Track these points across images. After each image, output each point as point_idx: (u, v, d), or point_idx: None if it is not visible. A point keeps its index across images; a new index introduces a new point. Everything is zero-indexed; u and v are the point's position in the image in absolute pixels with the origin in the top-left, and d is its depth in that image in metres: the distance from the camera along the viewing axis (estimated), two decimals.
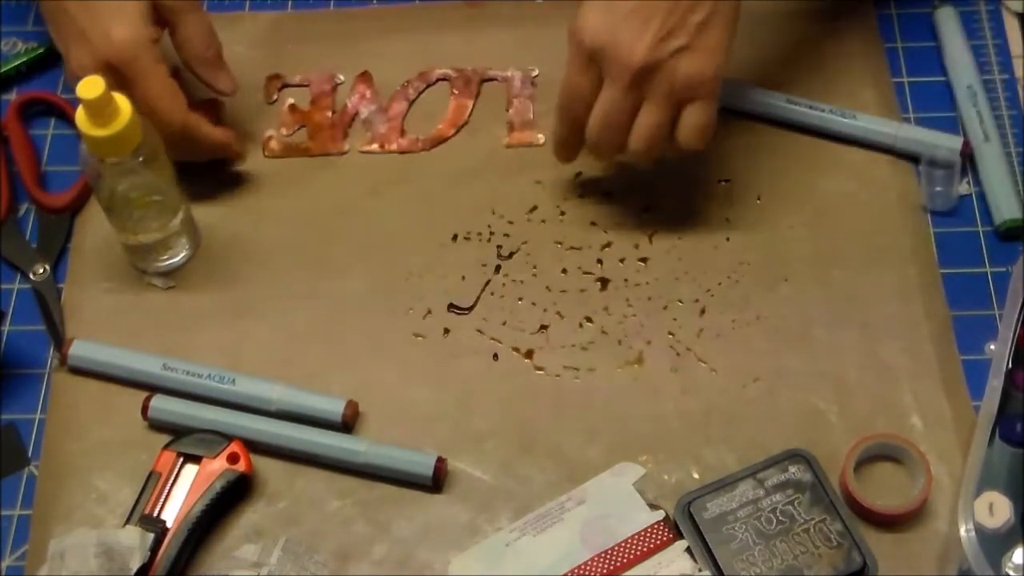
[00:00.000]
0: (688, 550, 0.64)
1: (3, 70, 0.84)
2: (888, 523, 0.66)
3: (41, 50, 0.84)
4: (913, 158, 0.78)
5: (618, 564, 0.63)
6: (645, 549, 0.64)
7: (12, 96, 0.83)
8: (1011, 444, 0.65)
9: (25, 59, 0.84)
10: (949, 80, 0.81)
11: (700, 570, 0.63)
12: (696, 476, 0.68)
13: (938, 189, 0.76)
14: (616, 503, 0.65)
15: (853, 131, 0.78)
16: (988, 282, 0.74)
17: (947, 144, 0.77)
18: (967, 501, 0.63)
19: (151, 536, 0.65)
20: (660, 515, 0.65)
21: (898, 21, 0.84)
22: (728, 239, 0.76)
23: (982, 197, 0.77)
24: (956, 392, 0.70)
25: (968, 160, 0.78)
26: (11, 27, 0.86)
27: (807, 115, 0.79)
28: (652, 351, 0.72)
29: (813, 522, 0.64)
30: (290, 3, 0.87)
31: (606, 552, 0.64)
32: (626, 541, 0.64)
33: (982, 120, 0.78)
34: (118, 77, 0.70)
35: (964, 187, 0.77)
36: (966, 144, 0.77)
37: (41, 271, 0.76)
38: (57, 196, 0.78)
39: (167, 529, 0.66)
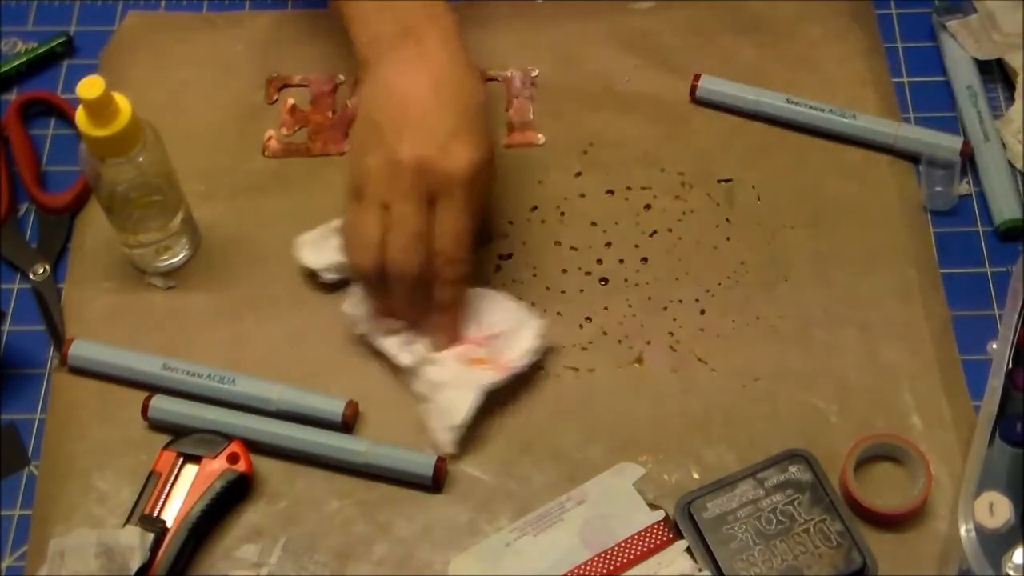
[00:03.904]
0: (688, 550, 0.64)
1: (3, 70, 0.84)
2: (888, 523, 0.66)
3: (41, 50, 0.84)
4: (913, 158, 0.78)
5: (618, 564, 0.63)
6: (645, 549, 0.64)
7: (12, 96, 0.83)
8: (1011, 444, 0.65)
9: (25, 59, 0.84)
10: (949, 80, 0.81)
11: (700, 570, 0.63)
12: (696, 476, 0.68)
13: (938, 189, 0.76)
14: (616, 503, 0.65)
15: (853, 131, 0.78)
16: (988, 282, 0.74)
17: (947, 144, 0.77)
18: (967, 501, 0.63)
19: (151, 536, 0.65)
20: (660, 515, 0.65)
21: (898, 21, 0.85)
22: (728, 239, 0.76)
23: (982, 197, 0.77)
24: (956, 392, 0.70)
25: (968, 160, 0.78)
26: (11, 27, 0.86)
27: (807, 115, 0.79)
28: (652, 351, 0.72)
29: (813, 522, 0.64)
30: (290, 3, 0.87)
31: (606, 552, 0.64)
32: (626, 541, 0.64)
33: (982, 120, 0.78)
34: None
35: (964, 187, 0.77)
36: (966, 144, 0.77)
37: (41, 271, 0.76)
38: (57, 196, 0.78)
39: (167, 529, 0.66)
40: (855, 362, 0.71)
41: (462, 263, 0.68)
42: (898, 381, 0.70)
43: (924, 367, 0.71)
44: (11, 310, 0.75)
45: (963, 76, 0.80)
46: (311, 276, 0.74)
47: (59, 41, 0.85)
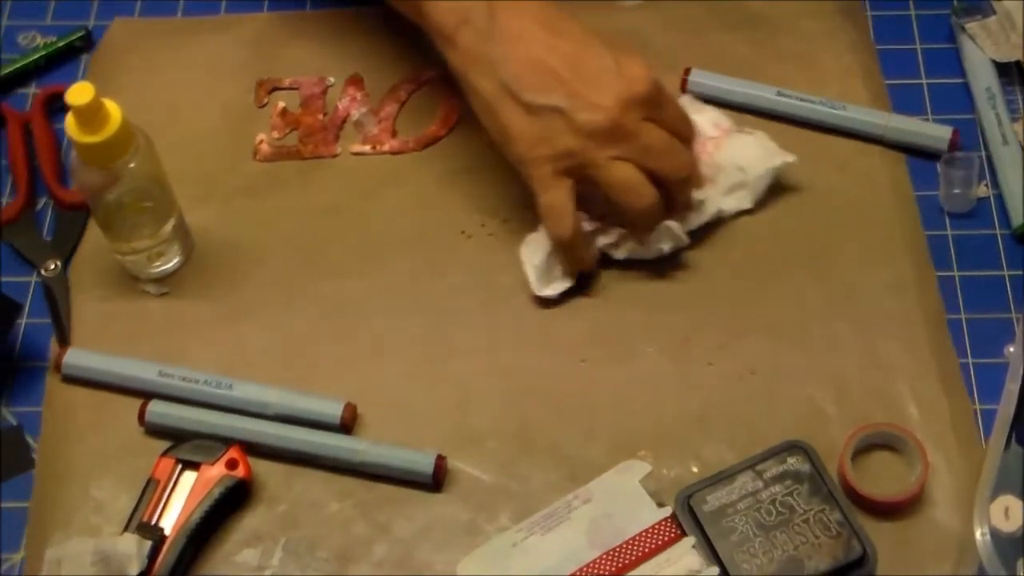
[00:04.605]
0: (695, 547, 0.64)
1: (21, 64, 0.84)
2: (886, 511, 0.66)
3: (60, 44, 0.84)
4: (905, 149, 0.78)
5: (625, 562, 0.63)
6: (652, 546, 0.64)
7: (31, 90, 0.83)
8: None
9: (44, 53, 0.84)
10: (968, 82, 0.81)
11: (708, 566, 0.63)
12: (695, 470, 0.68)
13: (956, 191, 0.76)
14: (622, 501, 0.65)
15: (843, 122, 0.78)
16: (1006, 285, 0.74)
17: (935, 134, 0.77)
18: (983, 505, 0.62)
19: (148, 543, 0.65)
20: (667, 512, 0.65)
21: (917, 22, 0.84)
22: (723, 233, 0.76)
23: (1000, 199, 0.77)
24: (951, 381, 0.70)
25: (986, 162, 0.78)
26: (30, 21, 0.87)
27: (797, 107, 0.79)
28: (650, 346, 0.72)
29: (812, 512, 0.64)
30: (279, 5, 0.86)
31: (613, 550, 0.64)
32: (633, 539, 0.64)
33: (1000, 123, 0.78)
34: (647, 110, 0.69)
35: (982, 189, 0.77)
36: (955, 133, 0.77)
37: (52, 267, 0.76)
38: (74, 192, 0.78)
39: (165, 536, 0.65)
40: (851, 354, 0.71)
41: (692, 124, 0.73)
42: (894, 372, 0.70)
43: (919, 357, 0.71)
44: (28, 303, 0.75)
45: (982, 78, 0.80)
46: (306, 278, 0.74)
47: (78, 35, 0.85)
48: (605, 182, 0.69)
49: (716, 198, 0.74)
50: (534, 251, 0.73)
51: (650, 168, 0.69)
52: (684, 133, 0.72)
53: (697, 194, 0.73)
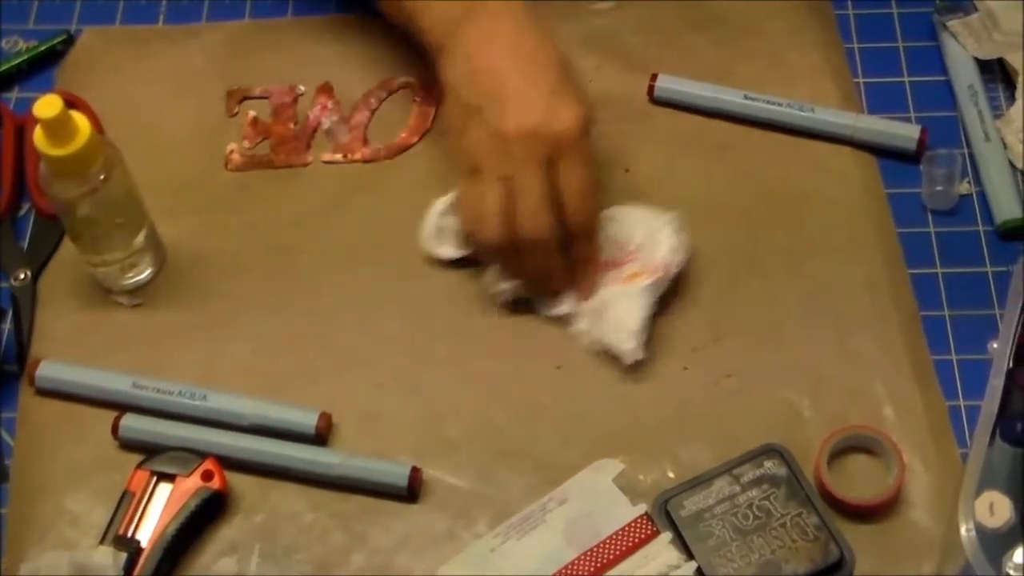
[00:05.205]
0: (672, 542, 0.64)
1: (3, 68, 0.83)
2: (863, 514, 0.66)
3: (42, 48, 0.84)
4: (874, 148, 0.78)
5: (604, 561, 0.63)
6: (630, 544, 0.64)
7: (14, 94, 0.83)
8: (1011, 444, 0.64)
9: (26, 57, 0.84)
10: (950, 80, 0.81)
11: (685, 562, 0.63)
12: (671, 475, 0.68)
13: (938, 188, 0.76)
14: (597, 500, 0.65)
15: (812, 124, 0.79)
16: (989, 281, 0.74)
17: (904, 134, 0.78)
18: (968, 501, 0.62)
19: (124, 556, 0.64)
20: (642, 509, 0.65)
21: (899, 20, 0.85)
22: (698, 236, 0.76)
23: (983, 196, 0.77)
24: (926, 381, 0.70)
25: (969, 160, 0.78)
26: (12, 25, 0.86)
27: (765, 110, 0.79)
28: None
29: (789, 516, 0.64)
30: (247, 14, 0.86)
31: (592, 550, 0.64)
32: (611, 537, 0.64)
33: (983, 120, 0.78)
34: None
35: (964, 186, 0.77)
36: (924, 132, 0.78)
37: (22, 276, 0.75)
38: None
39: (142, 549, 0.65)
40: (826, 355, 0.71)
41: (595, 215, 0.70)
42: (869, 372, 0.70)
43: (894, 357, 0.71)
44: (11, 308, 0.74)
45: (964, 76, 0.80)
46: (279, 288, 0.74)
47: (60, 39, 0.85)
48: (464, 195, 0.70)
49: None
50: (440, 210, 0.74)
51: (512, 209, 0.68)
52: (571, 206, 0.68)
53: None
